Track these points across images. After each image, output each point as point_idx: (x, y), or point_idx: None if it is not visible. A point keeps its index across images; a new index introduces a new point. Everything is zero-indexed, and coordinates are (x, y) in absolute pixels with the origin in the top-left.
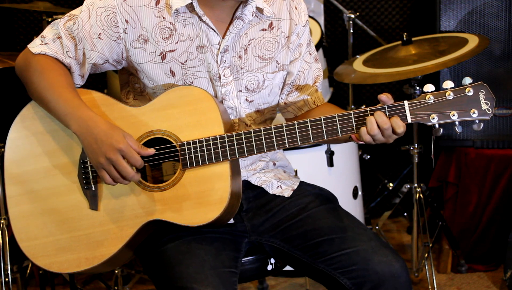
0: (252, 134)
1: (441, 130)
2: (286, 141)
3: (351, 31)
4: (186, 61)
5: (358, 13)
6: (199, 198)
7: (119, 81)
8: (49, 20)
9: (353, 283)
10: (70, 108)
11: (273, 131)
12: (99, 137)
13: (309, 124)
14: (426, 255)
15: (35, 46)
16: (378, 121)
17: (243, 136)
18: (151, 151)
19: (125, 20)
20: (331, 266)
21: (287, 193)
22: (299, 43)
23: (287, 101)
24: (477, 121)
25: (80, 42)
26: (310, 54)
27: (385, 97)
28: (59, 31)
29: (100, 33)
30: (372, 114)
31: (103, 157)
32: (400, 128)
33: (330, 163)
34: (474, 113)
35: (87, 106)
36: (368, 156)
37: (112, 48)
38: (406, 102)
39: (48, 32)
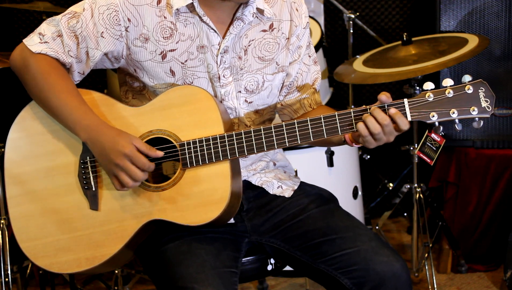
0: (252, 134)
1: (441, 128)
2: (286, 140)
3: (351, 31)
4: (186, 61)
5: (358, 13)
6: (199, 197)
7: (118, 80)
8: None
9: (354, 283)
10: (78, 117)
11: (273, 130)
12: (107, 144)
13: (309, 122)
14: (426, 255)
15: (34, 44)
16: (377, 118)
17: (243, 136)
18: (160, 153)
19: (127, 18)
20: (331, 266)
21: (288, 193)
22: (298, 45)
23: (283, 103)
24: (477, 118)
25: (83, 40)
26: (309, 56)
27: (385, 98)
28: (59, 28)
29: (102, 32)
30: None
31: (112, 164)
32: (406, 125)
33: (330, 163)
34: (474, 110)
35: (93, 112)
36: (368, 156)
37: (115, 46)
38: (406, 100)
39: (46, 29)
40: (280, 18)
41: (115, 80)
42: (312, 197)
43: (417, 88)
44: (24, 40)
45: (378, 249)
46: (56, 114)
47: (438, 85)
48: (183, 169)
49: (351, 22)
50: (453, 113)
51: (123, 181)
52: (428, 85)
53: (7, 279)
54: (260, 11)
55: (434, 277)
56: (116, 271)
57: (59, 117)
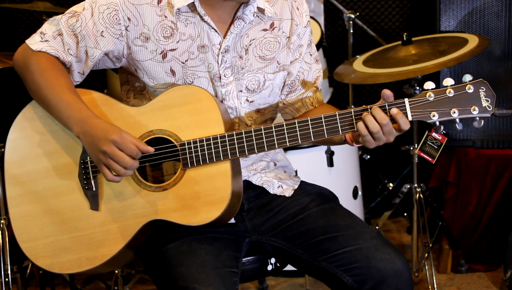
0: (253, 133)
1: (442, 127)
2: (287, 139)
3: (351, 31)
4: (187, 60)
5: (358, 13)
6: (200, 197)
7: (119, 80)
8: None
9: (355, 281)
10: (72, 111)
11: (273, 130)
12: (96, 134)
13: (309, 122)
14: (426, 255)
15: (35, 42)
16: (376, 117)
17: (243, 135)
18: (150, 149)
19: (127, 17)
20: (333, 264)
21: (288, 193)
22: (299, 43)
23: (285, 102)
24: (477, 118)
25: (82, 39)
26: (311, 54)
27: (389, 92)
28: (60, 28)
29: (102, 31)
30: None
31: (100, 152)
32: (407, 125)
33: (330, 163)
34: (474, 110)
35: (88, 107)
36: (368, 156)
37: (115, 46)
38: (406, 100)
39: (47, 28)
40: (281, 17)
41: (115, 80)
42: (313, 196)
43: (417, 88)
44: (26, 40)
45: (379, 247)
46: (52, 109)
47: (438, 85)
48: (184, 169)
49: (351, 22)
50: (454, 112)
51: (113, 169)
52: (429, 85)
53: (7, 279)
54: (261, 10)
55: (434, 277)
56: (116, 271)
57: (54, 113)
